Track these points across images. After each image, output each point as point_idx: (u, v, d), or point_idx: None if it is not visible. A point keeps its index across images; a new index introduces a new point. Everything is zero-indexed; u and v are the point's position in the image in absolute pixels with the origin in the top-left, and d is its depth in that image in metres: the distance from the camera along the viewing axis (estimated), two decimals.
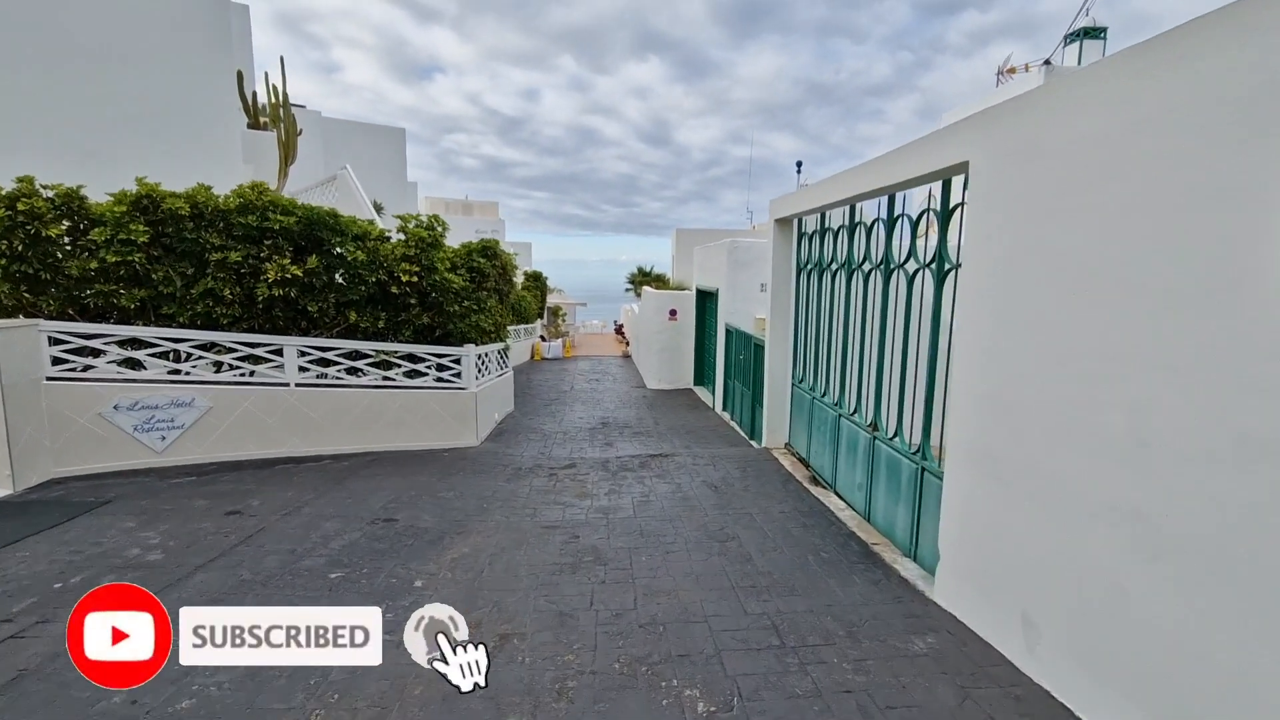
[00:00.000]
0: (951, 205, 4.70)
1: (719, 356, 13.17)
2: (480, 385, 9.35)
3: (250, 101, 12.69)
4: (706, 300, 15.61)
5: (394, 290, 7.96)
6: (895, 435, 5.44)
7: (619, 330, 34.95)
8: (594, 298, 70.29)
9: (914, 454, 5.08)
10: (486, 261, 9.52)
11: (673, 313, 16.77)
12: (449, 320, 8.65)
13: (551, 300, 35.01)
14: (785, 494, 6.74)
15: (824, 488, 6.97)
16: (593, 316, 50.01)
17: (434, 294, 8.45)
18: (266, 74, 13.57)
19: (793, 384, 8.42)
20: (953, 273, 4.64)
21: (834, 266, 7.06)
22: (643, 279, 33.36)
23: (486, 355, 9.99)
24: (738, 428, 11.16)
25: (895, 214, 5.66)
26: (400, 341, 8.40)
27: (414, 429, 8.53)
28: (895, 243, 5.68)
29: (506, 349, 11.49)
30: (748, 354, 10.59)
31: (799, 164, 25.72)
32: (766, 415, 8.83)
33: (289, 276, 7.15)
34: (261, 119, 12.28)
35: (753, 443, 9.85)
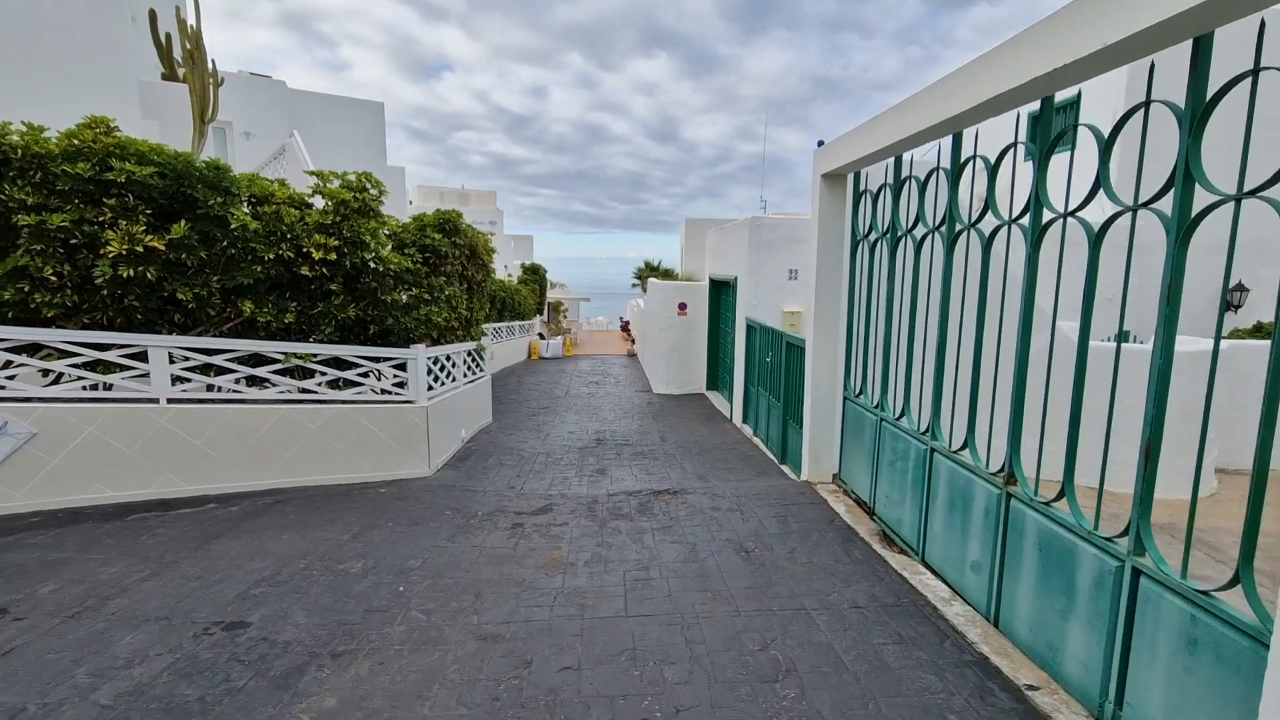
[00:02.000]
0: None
1: (737, 358, 11.03)
2: (436, 396, 7.24)
3: (165, 47, 10.64)
4: (722, 291, 13.44)
5: (305, 272, 5.86)
6: (1060, 498, 3.26)
7: (625, 327, 32.81)
8: (601, 294, 68.25)
9: (1112, 542, 2.91)
10: (444, 239, 7.41)
11: (682, 306, 14.61)
12: (387, 313, 6.54)
13: (552, 295, 32.93)
14: (852, 566, 4.57)
15: (904, 552, 4.81)
16: (598, 313, 47.91)
17: (366, 278, 6.34)
18: (178, 8, 11.48)
19: (846, 397, 6.25)
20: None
21: (919, 232, 4.90)
22: (649, 272, 31.23)
23: (449, 359, 7.88)
24: (764, 447, 9.01)
25: (1055, 133, 3.48)
26: (320, 341, 6.30)
27: (341, 456, 6.43)
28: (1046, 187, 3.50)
29: (480, 350, 9.40)
30: (776, 355, 8.45)
31: (820, 142, 23.46)
32: (808, 437, 6.67)
33: (143, 250, 5.05)
34: (179, 69, 10.21)
35: (787, 470, 7.69)
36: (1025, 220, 3.60)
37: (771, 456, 8.48)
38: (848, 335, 6.19)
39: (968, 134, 4.29)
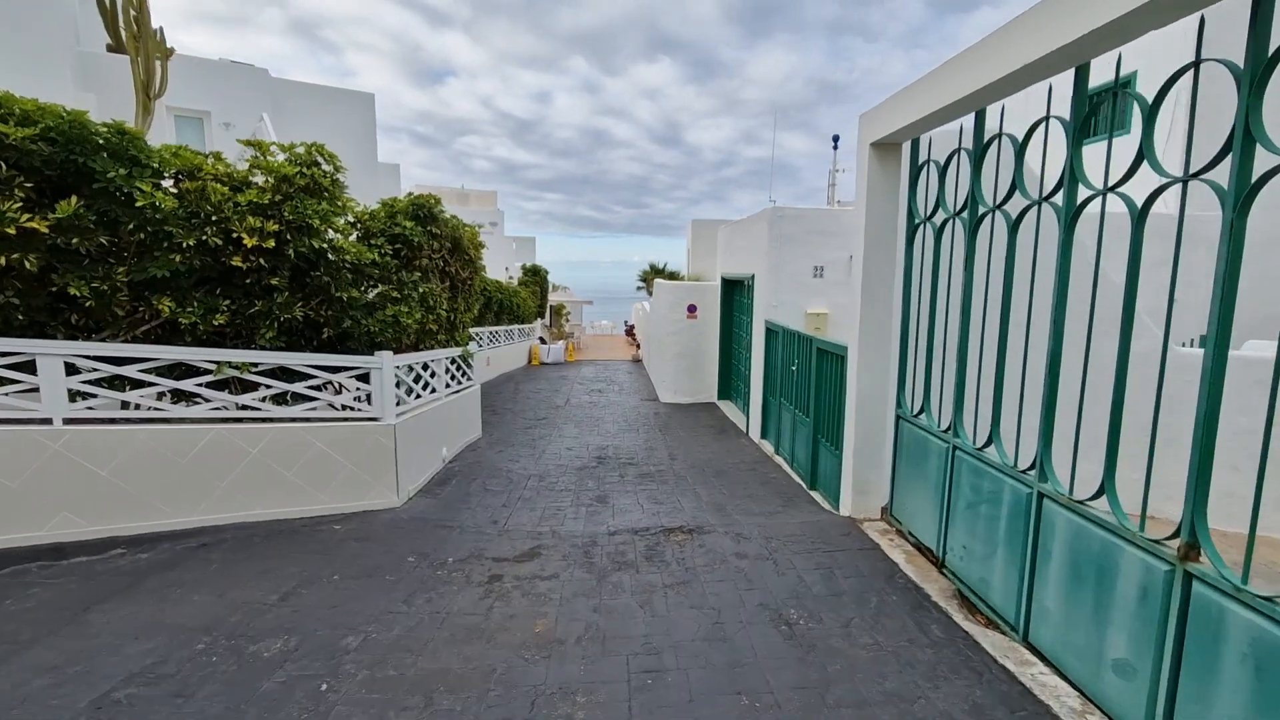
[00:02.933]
0: None
1: (754, 365, 9.91)
2: (409, 411, 6.15)
3: (110, 14, 9.58)
4: (735, 291, 12.32)
5: (238, 263, 4.77)
6: None
7: (630, 332, 31.74)
8: (605, 298, 67.30)
9: None
10: (417, 228, 6.33)
11: (692, 309, 13.49)
12: (344, 313, 5.45)
13: (554, 298, 31.87)
14: (933, 650, 3.44)
15: (993, 625, 3.68)
16: (602, 316, 46.84)
17: (317, 272, 5.25)
18: None
19: (900, 416, 5.12)
20: None
21: (1016, 206, 3.79)
22: (655, 274, 30.18)
23: (426, 367, 6.79)
24: (789, 469, 7.89)
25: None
26: (261, 347, 5.20)
27: (290, 486, 5.34)
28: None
29: (467, 356, 8.31)
30: (804, 363, 7.32)
31: (836, 137, 22.45)
32: (850, 464, 5.54)
33: (16, 233, 3.97)
34: (134, 40, 9.13)
35: (820, 499, 6.57)
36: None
37: (798, 480, 7.35)
38: (902, 339, 5.06)
39: (1098, 64, 3.17)
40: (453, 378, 7.87)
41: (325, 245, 5.18)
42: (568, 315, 33.37)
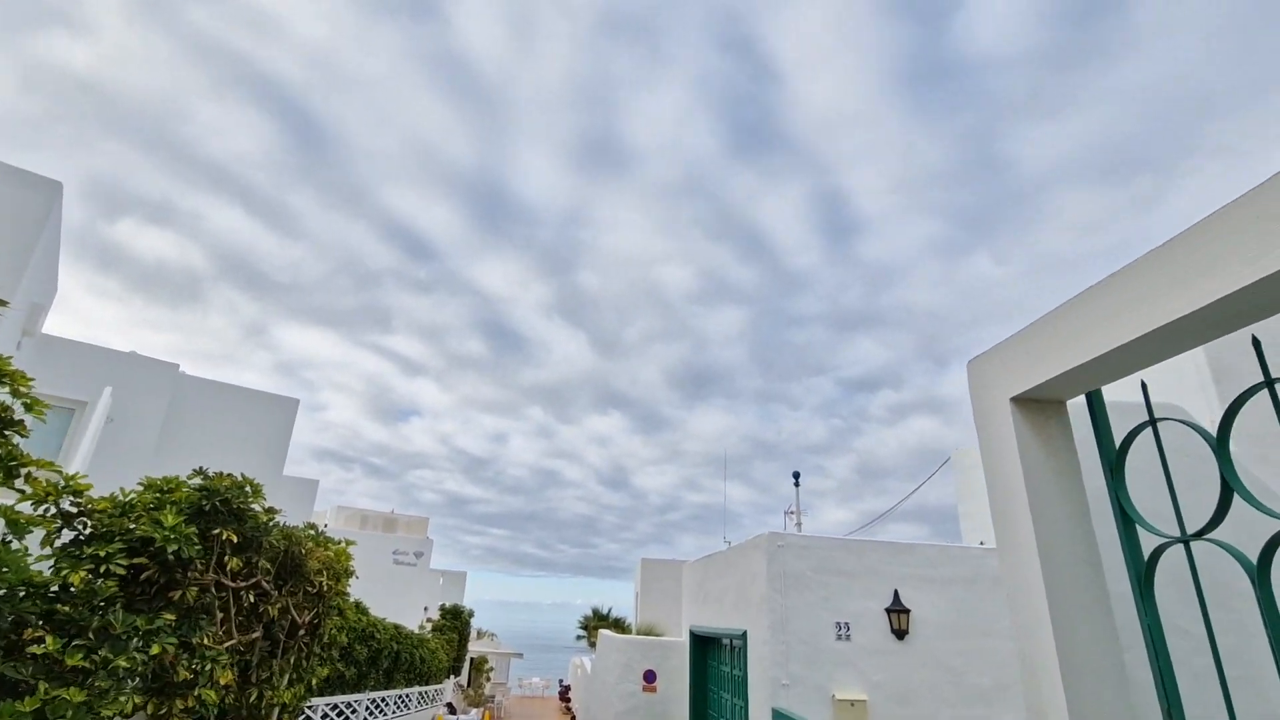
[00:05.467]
0: None
1: None
2: None
3: None
4: (714, 654, 9.06)
5: None
6: None
7: (564, 695, 25.76)
8: (539, 648, 58.99)
9: None
10: (187, 531, 3.59)
11: (649, 677, 9.93)
12: None
13: (475, 648, 26.50)
14: None
15: None
16: (534, 671, 39.43)
17: None
18: None
19: None
20: None
21: None
22: (598, 622, 25.91)
23: None
24: None
25: None
26: None
27: None
28: None
29: None
30: None
31: (796, 474, 21.32)
32: None
33: None
34: None
35: None
36: None
37: None
38: None
39: None
40: None
41: None
42: (490, 671, 27.49)
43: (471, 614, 23.05)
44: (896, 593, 6.46)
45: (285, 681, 4.93)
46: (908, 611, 6.35)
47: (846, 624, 6.32)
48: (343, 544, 5.84)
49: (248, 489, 4.04)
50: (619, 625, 24.48)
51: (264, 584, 4.38)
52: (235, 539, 3.81)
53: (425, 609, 27.90)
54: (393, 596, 25.80)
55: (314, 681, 5.36)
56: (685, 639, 9.93)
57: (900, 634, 6.30)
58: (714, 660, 8.86)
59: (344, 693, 11.48)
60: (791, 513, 20.62)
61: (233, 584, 4.01)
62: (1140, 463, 2.61)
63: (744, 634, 7.02)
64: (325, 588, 5.29)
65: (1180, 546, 2.26)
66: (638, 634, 15.09)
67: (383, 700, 13.40)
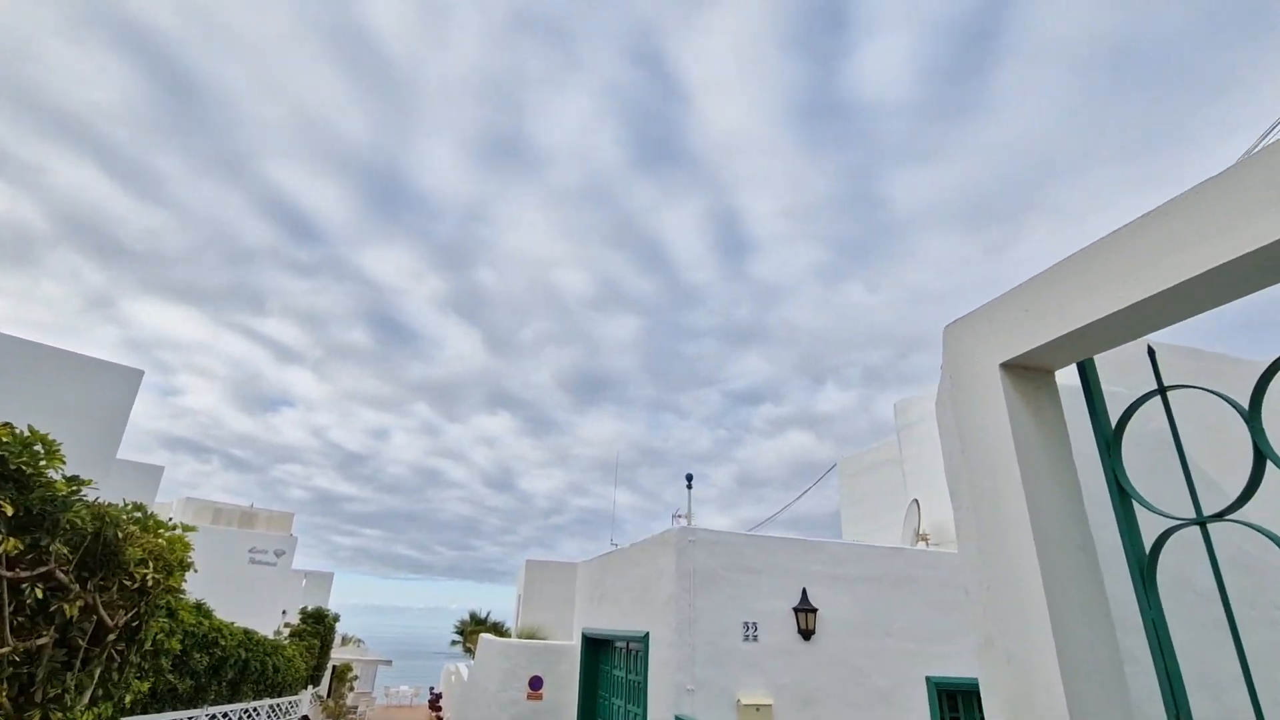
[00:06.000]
0: None
1: None
2: None
3: None
4: (607, 659, 8.56)
5: None
6: None
7: (434, 704, 24.27)
8: (409, 654, 56.02)
9: None
10: None
11: (535, 684, 9.27)
12: None
13: (340, 655, 24.47)
14: None
15: None
16: (402, 679, 37.15)
17: None
18: None
19: None
20: None
21: None
22: (475, 627, 24.72)
23: None
24: None
25: None
26: None
27: None
28: None
29: None
30: None
31: (689, 476, 21.33)
32: None
33: None
34: None
35: None
36: None
37: None
38: None
39: None
40: None
41: None
42: (354, 680, 25.47)
43: (336, 618, 21.18)
44: (805, 591, 6.27)
45: (85, 700, 3.93)
46: (815, 610, 6.17)
47: (755, 624, 6.04)
48: (178, 529, 4.82)
49: (38, 448, 3.07)
50: (498, 630, 23.51)
51: (59, 575, 3.41)
52: (12, 512, 2.86)
53: (284, 613, 25.51)
54: (247, 598, 23.22)
55: (127, 699, 4.34)
56: (577, 642, 9.37)
57: (807, 634, 6.10)
58: (608, 665, 8.36)
59: (176, 708, 9.87)
60: (680, 516, 20.54)
61: (9, 574, 3.03)
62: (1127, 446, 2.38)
63: (645, 636, 6.58)
64: (151, 582, 4.30)
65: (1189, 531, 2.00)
66: (520, 638, 14.35)
67: (223, 716, 11.81)
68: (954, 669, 6.47)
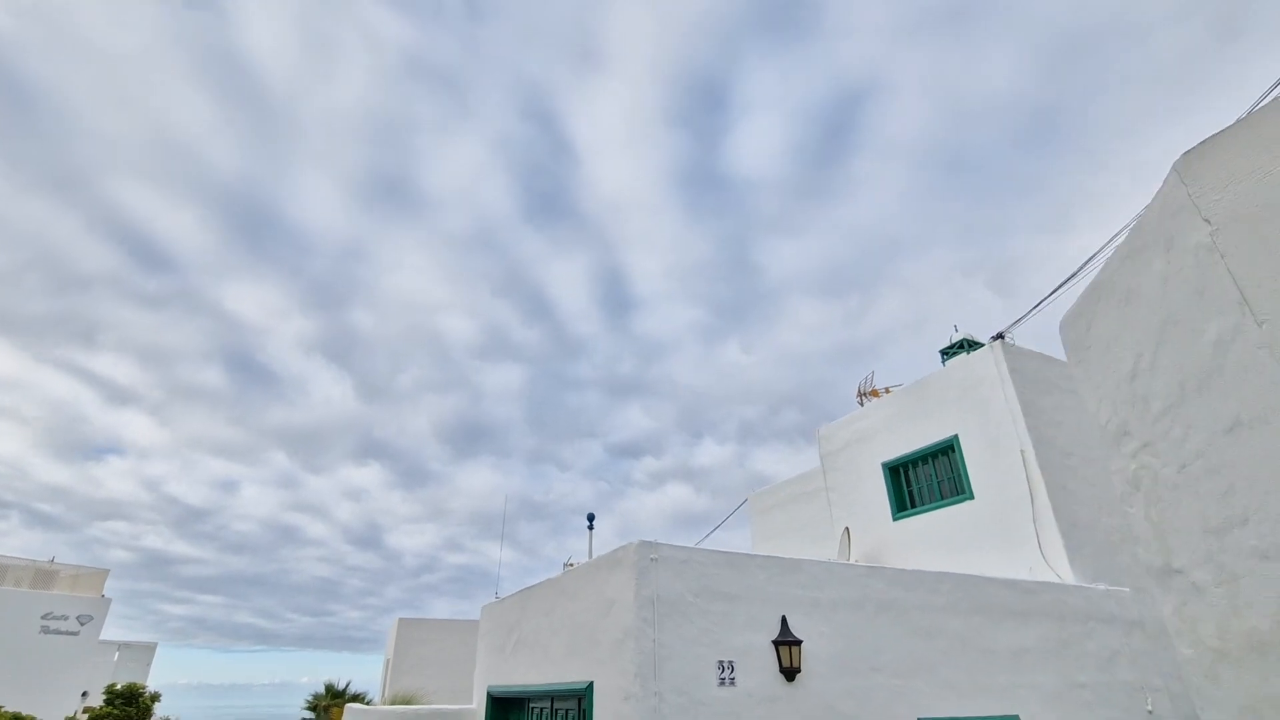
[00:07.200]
0: None
1: None
2: None
3: None
4: None
5: None
6: None
7: None
8: None
9: None
10: None
11: None
12: None
13: None
14: None
15: None
16: None
17: None
18: None
19: None
20: None
21: None
22: (331, 700, 21.19)
23: None
24: None
25: None
26: None
27: None
28: None
29: None
30: None
31: (591, 516, 19.81)
32: None
33: None
34: None
35: None
36: None
37: None
38: None
39: None
40: None
41: None
42: None
43: (155, 698, 17.27)
44: (784, 620, 5.13)
45: None
46: (799, 643, 5.03)
47: (731, 663, 4.77)
48: None
49: None
50: (360, 701, 20.30)
51: None
52: None
53: (85, 694, 20.84)
54: (32, 676, 18.56)
55: None
56: (478, 705, 7.58)
57: (790, 673, 4.93)
58: None
59: None
60: (571, 565, 18.85)
61: None
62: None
63: (587, 688, 5.09)
64: None
65: None
66: (394, 707, 12.03)
67: None
68: (945, 707, 5.54)
